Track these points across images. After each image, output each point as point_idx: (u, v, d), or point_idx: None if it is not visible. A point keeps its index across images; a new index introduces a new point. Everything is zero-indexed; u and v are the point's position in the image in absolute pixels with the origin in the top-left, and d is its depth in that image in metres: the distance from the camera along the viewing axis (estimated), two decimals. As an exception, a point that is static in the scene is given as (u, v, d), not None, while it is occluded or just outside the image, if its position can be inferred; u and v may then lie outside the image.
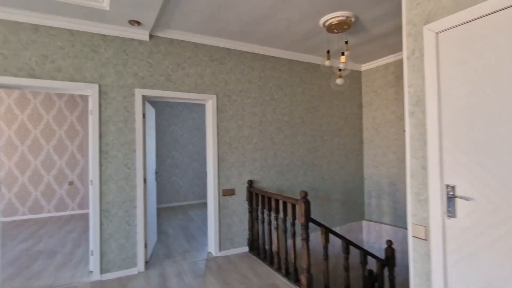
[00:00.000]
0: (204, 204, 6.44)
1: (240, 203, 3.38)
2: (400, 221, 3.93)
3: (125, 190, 2.78)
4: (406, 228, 3.83)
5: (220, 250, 3.24)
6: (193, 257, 3.20)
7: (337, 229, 4.13)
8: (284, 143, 3.71)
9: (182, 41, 3.10)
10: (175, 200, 6.39)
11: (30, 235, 4.14)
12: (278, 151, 3.66)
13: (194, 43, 3.16)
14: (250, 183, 3.34)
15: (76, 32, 2.62)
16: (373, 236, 4.23)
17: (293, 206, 2.54)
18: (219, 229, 3.24)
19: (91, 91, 2.65)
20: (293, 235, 2.58)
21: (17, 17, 2.39)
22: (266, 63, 3.62)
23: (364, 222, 4.37)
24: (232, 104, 3.36)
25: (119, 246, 2.74)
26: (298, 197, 3.81)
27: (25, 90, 2.52)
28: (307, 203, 2.35)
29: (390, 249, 2.94)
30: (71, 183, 5.39)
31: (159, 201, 6.22)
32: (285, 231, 2.69)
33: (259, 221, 3.52)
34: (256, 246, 3.25)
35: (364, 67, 4.41)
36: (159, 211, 5.82)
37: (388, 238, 4.01)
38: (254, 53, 3.53)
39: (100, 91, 2.69)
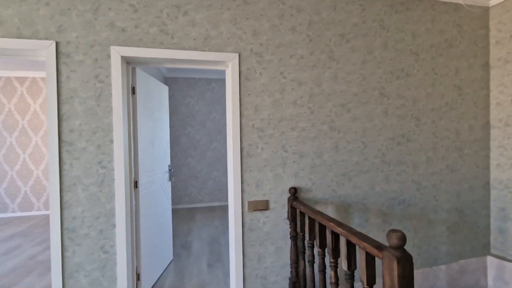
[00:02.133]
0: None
1: (278, 223, 2.16)
2: None
3: (98, 200, 1.86)
4: None
5: (246, 293, 2.10)
6: (206, 300, 2.15)
7: (442, 269, 2.54)
8: (351, 128, 2.31)
9: (184, -30, 1.98)
10: (217, 199, 5.53)
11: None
12: (341, 141, 2.29)
13: (202, -28, 2.02)
14: (294, 192, 2.08)
15: (25, -35, 1.75)
16: (507, 281, 2.49)
17: (369, 258, 1.20)
18: (243, 262, 2.10)
19: (45, 53, 1.77)
20: (370, 313, 1.24)
21: None
22: (321, -1, 2.24)
23: (491, 259, 2.63)
24: (265, 68, 2.13)
25: (92, 282, 1.86)
26: (377, 233, 2.37)
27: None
28: (407, 263, 0.99)
29: None
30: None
31: (198, 199, 5.45)
32: (352, 299, 1.36)
33: (306, 258, 2.24)
34: (302, 295, 2.00)
35: (495, 0, 2.58)
36: (195, 212, 5.02)
37: (547, 298, 2.24)
38: (300, -16, 2.20)
39: (58, 52, 1.79)
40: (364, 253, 1.20)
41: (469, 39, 2.62)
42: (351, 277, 1.36)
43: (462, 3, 2.50)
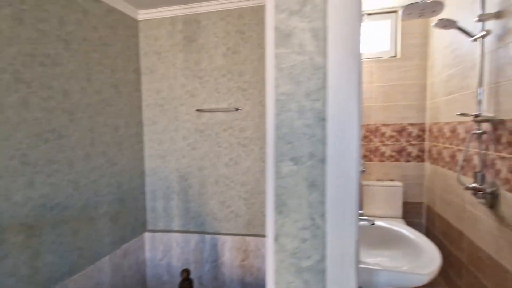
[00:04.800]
0: None
1: None
2: (193, 225, 3.11)
3: None
4: (201, 233, 3.07)
5: None
6: None
7: (106, 260, 2.61)
8: (-40, 122, 1.60)
9: None
10: None
11: None
12: None
13: None
14: None
15: None
16: (160, 251, 3.15)
17: None
18: None
19: None
20: None
21: None
22: None
23: (147, 235, 3.17)
24: None
25: None
26: (15, 233, 1.86)
27: None
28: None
29: (187, 283, 1.95)
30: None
31: None
32: None
33: None
34: None
35: (143, 15, 3.06)
36: None
37: (179, 249, 3.09)
38: None
39: None
40: None
41: (123, 43, 2.87)
42: None
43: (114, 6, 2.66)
